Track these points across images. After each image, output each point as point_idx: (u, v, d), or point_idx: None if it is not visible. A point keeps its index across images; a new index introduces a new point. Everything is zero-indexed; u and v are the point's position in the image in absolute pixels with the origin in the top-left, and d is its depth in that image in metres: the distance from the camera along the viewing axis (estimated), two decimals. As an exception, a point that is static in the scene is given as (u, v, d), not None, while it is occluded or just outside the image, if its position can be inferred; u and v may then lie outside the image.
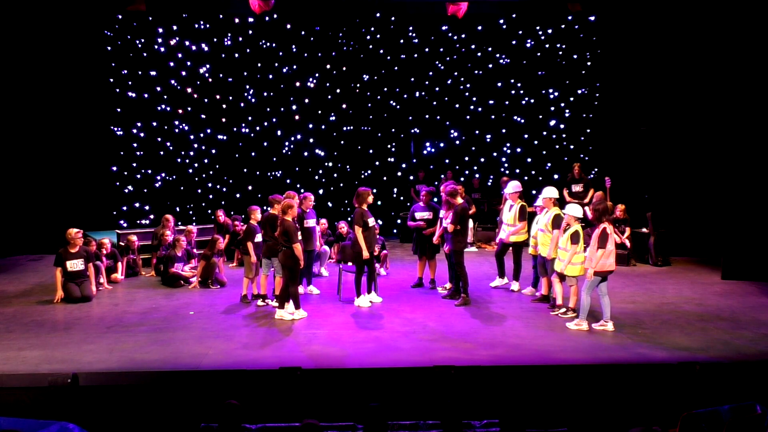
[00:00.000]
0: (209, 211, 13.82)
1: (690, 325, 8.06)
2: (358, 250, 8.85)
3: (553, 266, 8.60)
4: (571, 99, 14.94)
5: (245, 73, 14.22)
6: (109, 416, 6.20)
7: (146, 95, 13.92)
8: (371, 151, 14.98)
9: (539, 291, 9.31)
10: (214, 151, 14.41)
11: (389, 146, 15.07)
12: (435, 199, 10.17)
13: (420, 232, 9.76)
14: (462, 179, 14.65)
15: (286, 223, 8.31)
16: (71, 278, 9.25)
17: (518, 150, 15.17)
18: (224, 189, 14.50)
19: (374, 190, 14.75)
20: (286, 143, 14.63)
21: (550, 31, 14.66)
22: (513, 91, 15.00)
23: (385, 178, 15.00)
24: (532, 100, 14.99)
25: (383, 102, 14.82)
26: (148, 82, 13.88)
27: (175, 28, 13.86)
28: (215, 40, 14.00)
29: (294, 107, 14.50)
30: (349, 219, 13.82)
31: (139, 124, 13.97)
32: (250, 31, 14.10)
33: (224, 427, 4.87)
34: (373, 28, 14.45)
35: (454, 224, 8.82)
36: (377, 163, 15.01)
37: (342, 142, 14.80)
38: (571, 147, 15.08)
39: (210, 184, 14.44)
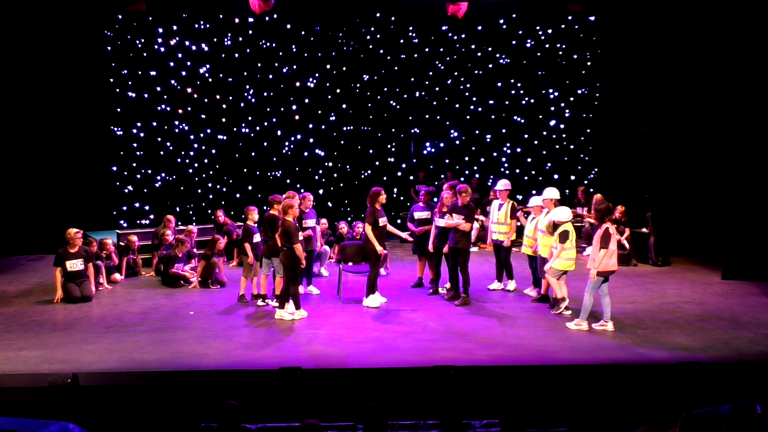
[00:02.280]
0: (209, 211, 13.82)
1: (690, 325, 8.06)
2: (371, 248, 8.88)
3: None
4: (571, 99, 14.95)
5: (245, 73, 14.22)
6: (109, 416, 6.20)
7: (146, 95, 13.92)
8: (371, 151, 14.98)
9: (541, 291, 9.30)
10: (214, 151, 14.41)
11: (389, 146, 15.07)
12: (435, 199, 10.16)
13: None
14: (462, 179, 14.65)
15: (286, 223, 8.31)
16: (71, 278, 9.24)
17: (518, 150, 15.18)
18: (224, 189, 14.50)
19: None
20: (286, 143, 14.63)
21: (550, 31, 14.68)
22: (513, 91, 15.01)
23: (385, 178, 14.99)
24: (532, 100, 15.00)
25: (383, 102, 14.82)
26: (148, 82, 13.88)
27: (175, 28, 13.86)
28: (215, 40, 14.00)
29: (294, 107, 14.50)
30: (349, 219, 13.88)
31: (139, 124, 13.97)
32: (250, 31, 14.10)
33: (223, 428, 4.87)
34: (373, 28, 14.46)
35: (469, 221, 8.88)
36: (377, 163, 15.02)
37: (342, 142, 14.81)
38: (571, 147, 15.10)
39: (210, 184, 14.44)
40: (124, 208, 14.03)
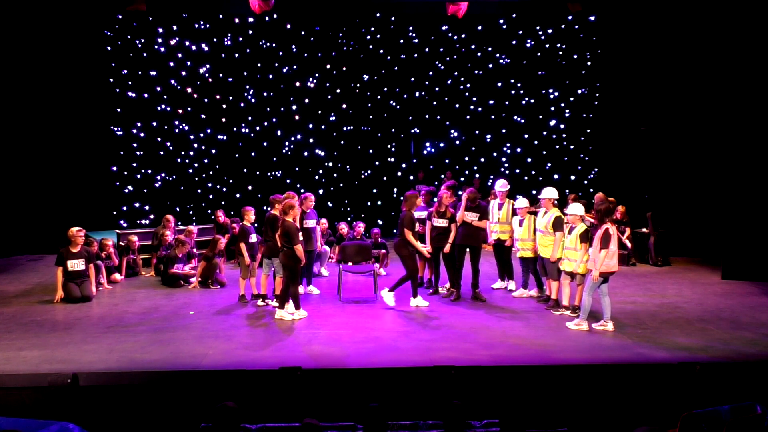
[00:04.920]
0: (209, 211, 13.82)
1: (690, 325, 8.06)
2: (406, 253, 8.85)
3: (556, 267, 8.60)
4: (571, 99, 14.95)
5: (245, 73, 14.22)
6: (109, 416, 6.20)
7: (146, 95, 13.92)
8: (371, 151, 14.98)
9: (545, 291, 9.30)
10: (214, 151, 14.41)
11: (389, 146, 15.07)
12: (435, 199, 10.14)
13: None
14: (462, 179, 14.66)
15: (287, 224, 8.30)
16: (72, 278, 9.24)
17: (518, 150, 15.18)
18: (224, 189, 14.50)
19: (374, 190, 14.91)
20: (286, 143, 14.63)
21: (550, 31, 14.68)
22: (513, 91, 15.01)
23: (385, 178, 15.00)
24: (532, 100, 15.00)
25: (383, 102, 14.82)
26: (148, 82, 13.89)
27: (175, 28, 13.87)
28: (215, 40, 14.01)
29: (294, 107, 14.50)
30: (349, 219, 13.88)
31: (139, 124, 13.98)
32: (250, 31, 14.11)
33: (220, 429, 4.85)
34: (373, 28, 14.46)
35: (484, 218, 9.15)
36: (377, 163, 15.01)
37: (342, 142, 14.81)
38: (571, 147, 15.10)
39: (210, 184, 14.45)
40: (124, 208, 14.03)
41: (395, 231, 14.19)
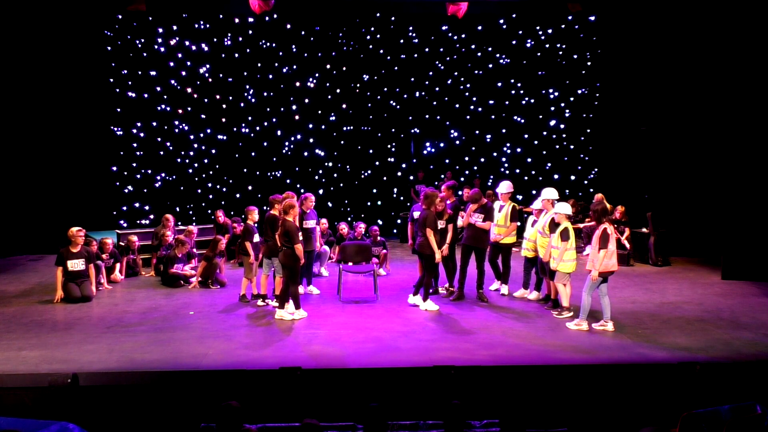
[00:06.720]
0: (209, 211, 13.83)
1: (690, 325, 8.06)
2: (429, 252, 8.68)
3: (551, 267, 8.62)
4: (571, 99, 14.95)
5: (245, 73, 14.22)
6: (109, 416, 6.20)
7: (146, 95, 13.92)
8: (371, 151, 14.98)
9: (543, 292, 9.30)
10: (214, 151, 14.41)
11: (389, 146, 15.07)
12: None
13: None
14: (462, 179, 14.65)
15: (287, 223, 8.31)
16: (72, 278, 9.24)
17: (518, 150, 15.18)
18: (224, 189, 14.50)
19: (374, 190, 14.92)
20: (286, 143, 14.63)
21: (550, 31, 14.68)
22: (513, 91, 15.01)
23: (385, 178, 15.00)
24: (532, 100, 15.00)
25: (383, 102, 14.82)
26: (148, 82, 13.89)
27: (175, 28, 13.87)
28: (215, 40, 14.01)
29: (294, 107, 14.50)
30: (349, 219, 13.87)
31: (139, 124, 13.98)
32: (250, 31, 14.11)
33: (222, 429, 4.85)
34: (373, 28, 14.46)
35: (489, 219, 9.08)
36: (377, 163, 15.01)
37: (342, 142, 14.81)
38: (571, 147, 15.10)
39: (210, 184, 14.45)
40: (124, 208, 14.03)
41: (395, 231, 14.52)
